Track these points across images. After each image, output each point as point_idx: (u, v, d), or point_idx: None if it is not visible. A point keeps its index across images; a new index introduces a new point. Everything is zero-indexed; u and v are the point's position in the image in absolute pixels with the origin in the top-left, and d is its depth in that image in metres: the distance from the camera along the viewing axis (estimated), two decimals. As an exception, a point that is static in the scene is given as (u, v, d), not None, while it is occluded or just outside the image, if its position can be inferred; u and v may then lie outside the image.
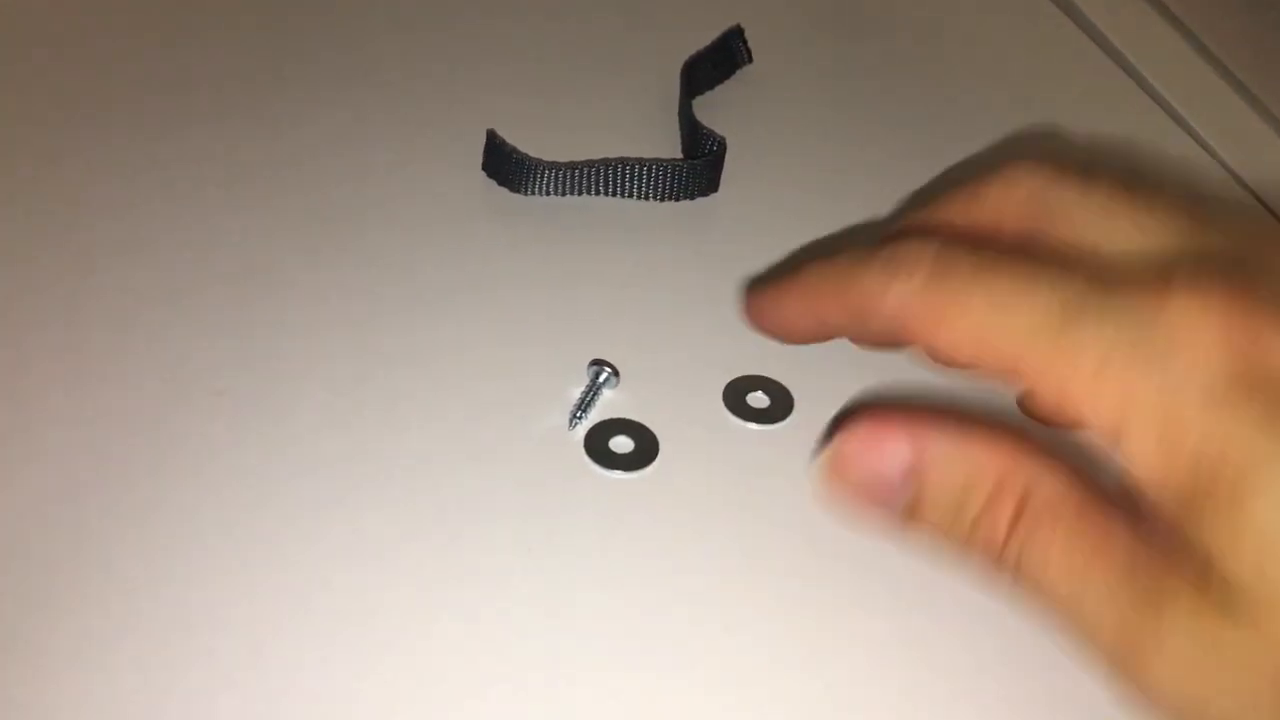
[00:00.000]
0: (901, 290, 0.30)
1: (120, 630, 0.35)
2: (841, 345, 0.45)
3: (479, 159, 0.52)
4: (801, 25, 0.64)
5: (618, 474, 0.41)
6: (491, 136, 0.52)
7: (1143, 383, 0.26)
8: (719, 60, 0.59)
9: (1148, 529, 0.26)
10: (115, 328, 0.44)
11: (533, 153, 0.51)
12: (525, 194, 0.51)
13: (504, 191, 0.51)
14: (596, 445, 0.41)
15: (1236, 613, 0.25)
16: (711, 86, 0.58)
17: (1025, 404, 0.37)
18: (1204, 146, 0.59)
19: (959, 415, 0.30)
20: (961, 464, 0.29)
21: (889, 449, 0.29)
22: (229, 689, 0.34)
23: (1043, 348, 0.28)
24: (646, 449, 0.41)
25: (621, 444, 0.42)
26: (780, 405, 0.43)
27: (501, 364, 0.44)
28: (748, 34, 0.60)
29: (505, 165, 0.51)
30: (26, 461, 0.39)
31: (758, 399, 0.44)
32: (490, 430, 0.42)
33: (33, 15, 0.59)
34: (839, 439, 0.30)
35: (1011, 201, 0.33)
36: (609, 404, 0.43)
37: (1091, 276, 0.28)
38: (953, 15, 0.66)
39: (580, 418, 0.42)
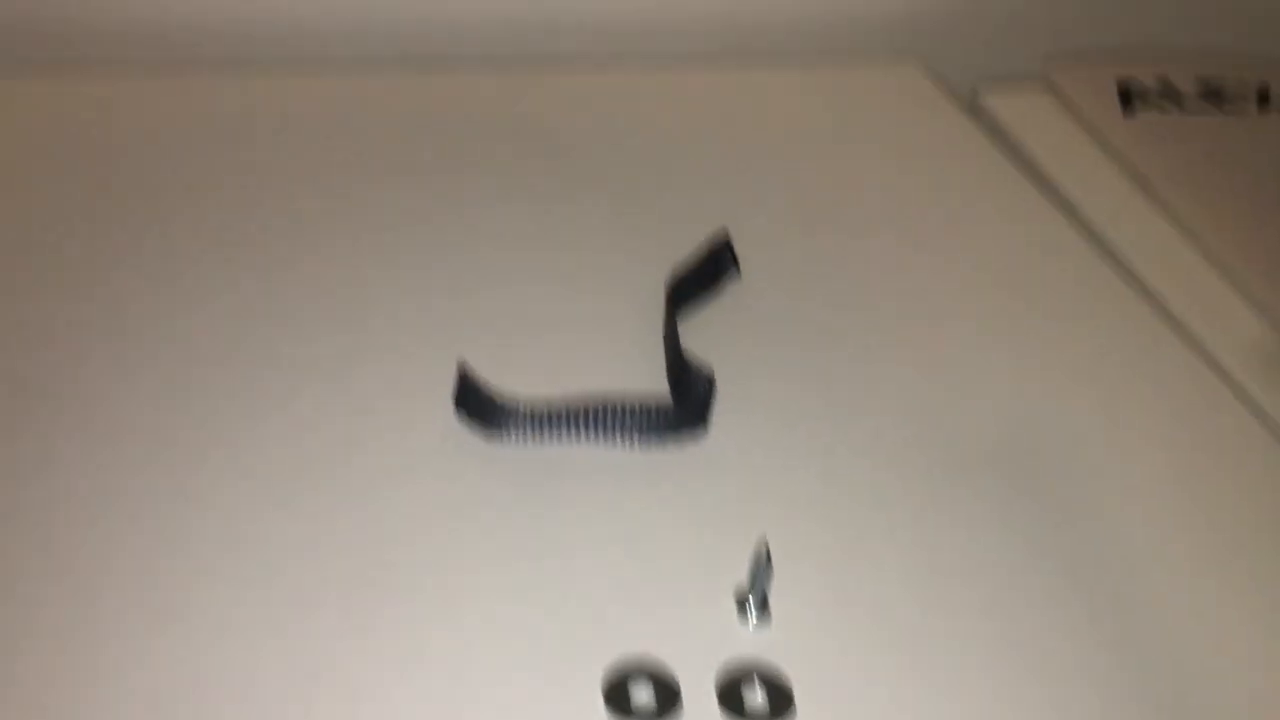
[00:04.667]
0: None
1: None
2: (843, 630, 0.41)
3: (451, 395, 0.48)
4: (789, 229, 0.61)
5: None
6: (464, 376, 0.48)
7: None
8: (706, 274, 0.55)
9: None
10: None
11: (511, 379, 0.48)
12: (500, 440, 0.47)
13: (475, 438, 0.47)
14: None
15: None
16: (698, 300, 0.55)
17: None
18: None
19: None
20: None
21: None
22: None
23: None
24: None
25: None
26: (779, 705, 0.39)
27: (481, 641, 0.41)
28: (732, 238, 0.57)
29: (478, 404, 0.47)
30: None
31: (753, 696, 0.40)
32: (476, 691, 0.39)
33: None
34: None
35: None
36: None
37: None
38: (945, 221, 0.63)
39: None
